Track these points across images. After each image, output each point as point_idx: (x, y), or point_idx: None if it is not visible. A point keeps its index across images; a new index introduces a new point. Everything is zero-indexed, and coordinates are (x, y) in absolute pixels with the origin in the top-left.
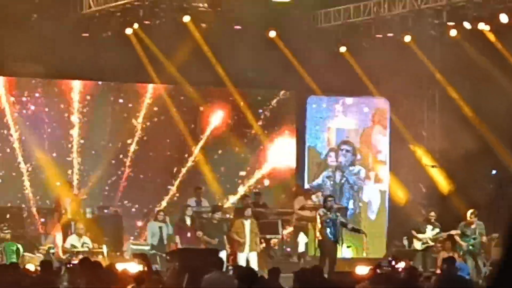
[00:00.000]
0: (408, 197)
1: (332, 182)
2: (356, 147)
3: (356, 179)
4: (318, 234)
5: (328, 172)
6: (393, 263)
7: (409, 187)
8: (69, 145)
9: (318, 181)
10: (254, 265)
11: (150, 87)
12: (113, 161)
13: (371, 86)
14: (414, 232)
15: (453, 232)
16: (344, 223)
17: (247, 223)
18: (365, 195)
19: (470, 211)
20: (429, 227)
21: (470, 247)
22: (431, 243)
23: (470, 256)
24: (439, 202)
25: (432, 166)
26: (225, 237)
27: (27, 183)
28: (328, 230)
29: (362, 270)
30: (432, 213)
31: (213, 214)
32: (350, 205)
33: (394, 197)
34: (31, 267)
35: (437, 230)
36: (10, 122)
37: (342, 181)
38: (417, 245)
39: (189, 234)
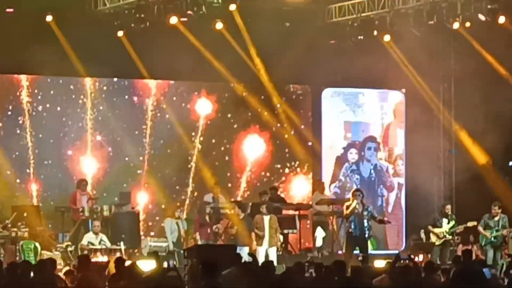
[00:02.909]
0: (424, 190)
1: (359, 176)
2: (380, 142)
3: (388, 177)
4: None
5: (353, 166)
6: (411, 256)
7: (426, 180)
8: (85, 143)
9: (343, 175)
10: (273, 260)
11: (155, 83)
12: (126, 158)
13: (386, 80)
14: (430, 227)
15: (469, 224)
16: (374, 215)
17: (266, 218)
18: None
19: (495, 203)
20: (445, 220)
21: (493, 239)
22: (449, 237)
23: (492, 247)
24: (456, 195)
25: (450, 151)
26: (252, 233)
27: (45, 181)
28: (352, 225)
29: (379, 263)
30: (448, 206)
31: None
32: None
33: (410, 190)
34: None
35: (453, 222)
36: (26, 121)
37: (372, 177)
38: (434, 239)
39: (208, 230)
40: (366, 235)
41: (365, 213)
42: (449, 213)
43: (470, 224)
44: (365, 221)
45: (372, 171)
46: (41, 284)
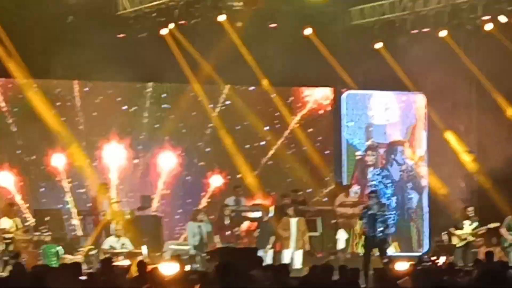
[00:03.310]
0: (447, 192)
1: (389, 180)
2: (404, 148)
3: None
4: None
5: (384, 171)
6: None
7: (448, 182)
8: (107, 147)
9: (376, 179)
10: (298, 263)
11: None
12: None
13: (407, 82)
14: (452, 230)
15: (491, 225)
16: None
17: (294, 221)
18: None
19: None
20: (467, 222)
21: None
22: (471, 238)
23: None
24: (479, 197)
25: (469, 152)
26: (273, 237)
27: (66, 186)
28: (367, 226)
29: (401, 266)
30: (470, 208)
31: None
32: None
33: (433, 192)
34: None
35: (476, 224)
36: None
37: (404, 178)
38: (456, 241)
39: (228, 233)
40: (381, 235)
41: (378, 214)
42: (472, 215)
43: (492, 225)
44: (373, 222)
45: (402, 173)
46: None
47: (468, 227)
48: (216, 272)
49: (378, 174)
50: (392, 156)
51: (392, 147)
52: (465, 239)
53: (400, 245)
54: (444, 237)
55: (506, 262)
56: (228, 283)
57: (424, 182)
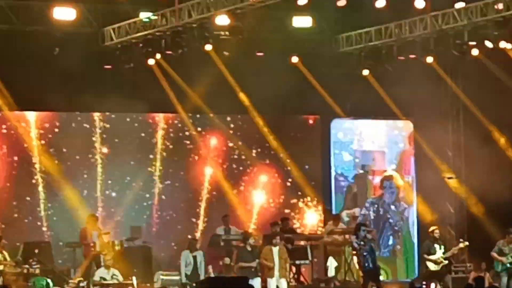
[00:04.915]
0: (436, 218)
1: (374, 210)
2: (398, 184)
3: (399, 218)
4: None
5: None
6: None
7: (436, 208)
8: (94, 179)
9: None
10: None
11: (163, 116)
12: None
13: (395, 108)
14: (425, 255)
15: (461, 245)
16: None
17: (275, 250)
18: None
19: (509, 229)
20: (437, 246)
21: (508, 265)
22: (445, 262)
23: (506, 274)
24: (468, 222)
25: (449, 178)
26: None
27: (53, 218)
28: (367, 261)
29: None
30: (437, 231)
31: (245, 241)
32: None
33: (422, 218)
34: None
35: (443, 247)
36: (35, 157)
37: (386, 216)
38: (432, 266)
39: (221, 263)
40: (375, 267)
41: (370, 248)
42: (438, 237)
43: (462, 245)
44: (372, 255)
45: (392, 215)
46: None
47: (439, 250)
48: None
49: (373, 203)
50: (383, 191)
51: (382, 182)
52: (441, 262)
53: (387, 272)
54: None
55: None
56: None
57: (412, 208)
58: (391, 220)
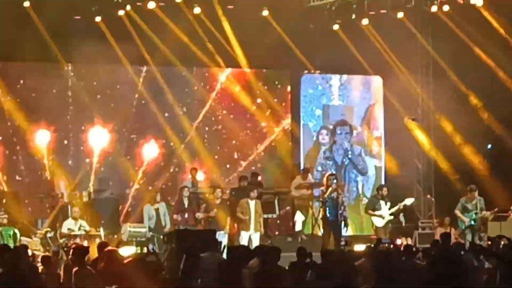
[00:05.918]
0: (402, 173)
1: (332, 162)
2: (351, 125)
3: (360, 160)
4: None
5: (327, 152)
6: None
7: (404, 163)
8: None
9: (320, 161)
10: (256, 245)
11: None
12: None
13: (365, 64)
14: (370, 211)
15: (407, 201)
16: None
17: (252, 203)
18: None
19: (470, 186)
20: (382, 202)
21: (472, 222)
22: (390, 217)
23: (470, 231)
24: (435, 178)
25: (412, 119)
26: (228, 218)
27: (23, 167)
28: (327, 209)
29: (360, 247)
30: (385, 189)
31: (213, 194)
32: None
33: (389, 173)
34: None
35: (389, 203)
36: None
37: (345, 162)
38: (378, 222)
39: (186, 215)
40: (339, 220)
41: (335, 197)
42: (385, 195)
43: (408, 201)
44: (334, 206)
45: (344, 156)
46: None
47: (384, 206)
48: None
49: (321, 157)
50: (335, 138)
51: (334, 128)
52: (385, 217)
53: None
54: (402, 218)
55: (463, 244)
56: (177, 264)
57: (379, 162)
58: (352, 159)
